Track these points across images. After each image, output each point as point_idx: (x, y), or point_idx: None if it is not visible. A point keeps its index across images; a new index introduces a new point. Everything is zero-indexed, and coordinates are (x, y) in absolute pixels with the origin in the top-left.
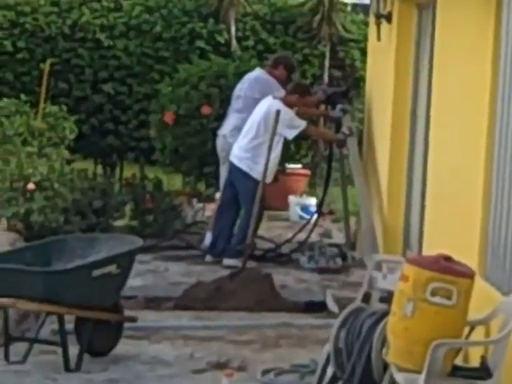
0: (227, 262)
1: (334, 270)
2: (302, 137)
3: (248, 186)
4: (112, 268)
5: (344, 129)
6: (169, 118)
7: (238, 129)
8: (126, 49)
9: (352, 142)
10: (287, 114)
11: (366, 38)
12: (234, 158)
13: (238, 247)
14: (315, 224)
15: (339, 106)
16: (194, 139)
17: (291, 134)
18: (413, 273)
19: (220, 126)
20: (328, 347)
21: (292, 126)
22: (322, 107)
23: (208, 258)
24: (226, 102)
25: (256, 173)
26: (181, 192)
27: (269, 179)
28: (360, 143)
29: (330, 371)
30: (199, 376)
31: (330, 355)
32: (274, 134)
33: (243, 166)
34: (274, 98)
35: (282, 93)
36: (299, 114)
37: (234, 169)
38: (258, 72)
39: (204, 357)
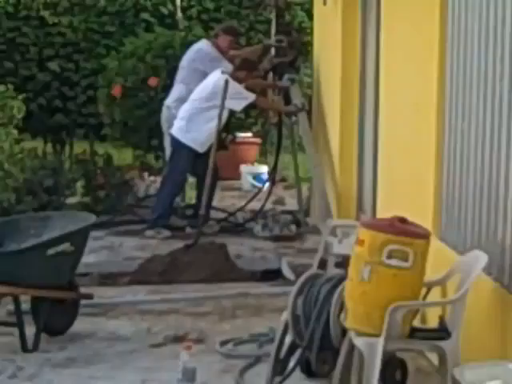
0: (147, 233)
1: (289, 237)
2: (251, 106)
3: (179, 154)
4: (66, 246)
5: (296, 101)
6: (116, 91)
7: (181, 99)
8: (70, 25)
9: (302, 116)
10: (234, 87)
11: (311, 1)
12: (172, 128)
13: (160, 221)
14: (269, 192)
15: (286, 76)
16: (142, 111)
17: (239, 106)
18: (368, 236)
19: (167, 96)
20: (285, 315)
21: (239, 98)
22: (270, 77)
23: (188, 229)
24: (173, 73)
25: (189, 140)
26: (132, 166)
27: (203, 148)
28: (310, 109)
29: (288, 339)
30: (158, 350)
31: (288, 323)
32: (223, 105)
33: (176, 133)
34: (222, 72)
35: (228, 67)
36: (248, 88)
37: (170, 138)
38: (201, 43)
39: (162, 331)
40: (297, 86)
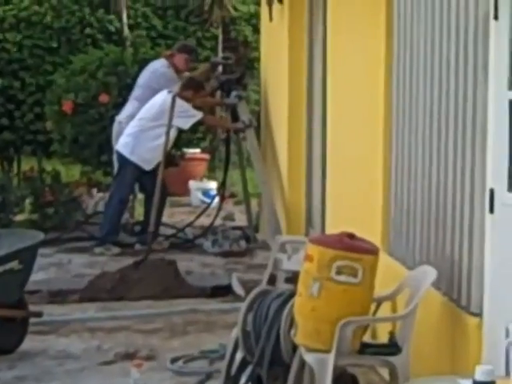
0: (96, 250)
1: (238, 252)
2: (198, 123)
3: (125, 171)
4: (14, 264)
5: (244, 118)
6: (67, 107)
7: (133, 116)
8: (16, 42)
9: (250, 132)
10: (181, 105)
11: (257, 16)
12: (117, 144)
13: (109, 237)
14: (219, 208)
15: (234, 93)
16: (92, 127)
17: (186, 125)
18: (317, 252)
19: (118, 113)
20: (236, 331)
21: (187, 116)
22: (218, 95)
23: (137, 246)
24: (124, 90)
25: (135, 157)
26: (80, 183)
27: (149, 166)
28: (258, 125)
29: (239, 355)
30: (108, 368)
31: (239, 339)
32: (170, 123)
33: (122, 149)
34: (169, 92)
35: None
36: (195, 106)
37: (116, 154)
38: (158, 63)
39: (112, 348)
40: (244, 103)
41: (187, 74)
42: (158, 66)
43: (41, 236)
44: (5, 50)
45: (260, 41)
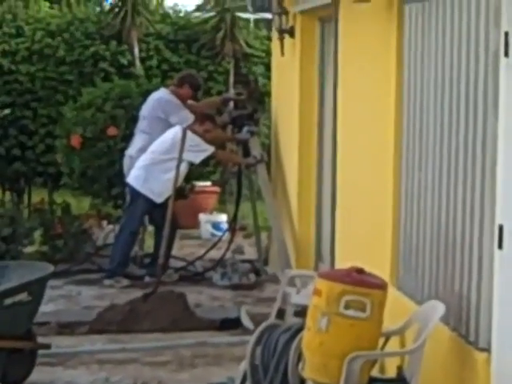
0: (106, 282)
1: (248, 286)
2: (209, 157)
3: (136, 203)
4: (23, 296)
5: (255, 153)
6: (75, 141)
7: (143, 149)
8: (29, 73)
9: (261, 167)
10: (192, 139)
11: (269, 53)
12: (128, 177)
13: (119, 269)
14: (230, 241)
15: (246, 128)
16: (101, 161)
17: (197, 159)
18: (325, 287)
19: (127, 146)
20: (244, 364)
21: (198, 150)
22: (229, 130)
23: (147, 278)
24: (131, 123)
25: (146, 190)
26: (90, 215)
27: (160, 199)
28: (268, 159)
29: None
30: None
31: (247, 372)
32: (180, 157)
33: (133, 182)
34: (182, 127)
35: (188, 118)
36: (207, 141)
37: (128, 187)
38: (161, 92)
39: (120, 380)
40: (256, 138)
41: (191, 102)
42: (161, 94)
43: (50, 268)
44: (17, 82)
45: (271, 76)
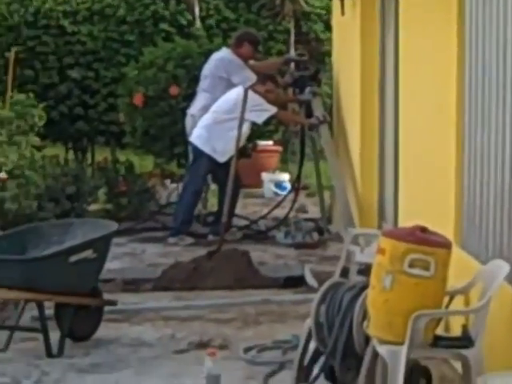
0: (170, 240)
1: (311, 244)
2: (271, 117)
3: (199, 162)
4: (88, 253)
5: (318, 114)
6: (138, 100)
7: (206, 108)
8: (90, 34)
9: (324, 128)
10: (254, 99)
11: (329, 11)
12: (191, 136)
13: (183, 228)
14: (294, 200)
15: (308, 89)
16: (163, 120)
17: (260, 119)
18: (389, 246)
19: (189, 105)
20: (309, 322)
21: (260, 110)
22: (290, 91)
23: (210, 236)
24: (193, 82)
25: (208, 149)
26: (153, 173)
27: (223, 158)
28: (331, 120)
29: (312, 346)
30: (182, 356)
31: (312, 330)
32: (242, 116)
33: (196, 141)
34: (244, 87)
35: (250, 79)
36: (269, 102)
37: (191, 146)
38: (223, 52)
39: (185, 337)
40: (318, 99)
41: (253, 62)
42: (224, 54)
43: (115, 226)
44: (79, 42)
45: (332, 35)
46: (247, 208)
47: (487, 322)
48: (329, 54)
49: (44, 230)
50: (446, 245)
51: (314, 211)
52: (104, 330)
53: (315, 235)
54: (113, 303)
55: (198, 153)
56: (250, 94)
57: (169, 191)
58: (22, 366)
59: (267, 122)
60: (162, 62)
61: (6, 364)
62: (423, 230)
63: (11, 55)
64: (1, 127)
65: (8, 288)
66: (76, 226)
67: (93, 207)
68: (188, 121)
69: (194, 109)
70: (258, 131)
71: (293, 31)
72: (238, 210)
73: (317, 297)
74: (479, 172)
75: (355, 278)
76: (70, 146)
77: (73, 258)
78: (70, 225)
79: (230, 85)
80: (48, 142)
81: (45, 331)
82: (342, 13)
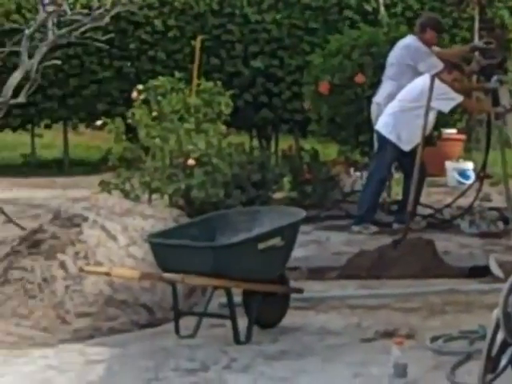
0: (354, 228)
1: (496, 234)
2: (456, 106)
3: (384, 150)
4: (276, 240)
5: (505, 102)
6: (324, 87)
7: (391, 96)
8: (275, 21)
9: (511, 116)
10: (441, 87)
11: None
12: (377, 124)
13: (367, 216)
14: (479, 189)
15: (495, 78)
16: (349, 108)
17: (447, 107)
18: None
19: (374, 93)
20: (497, 312)
21: (447, 98)
22: (474, 79)
23: (395, 225)
24: (379, 70)
25: (394, 137)
26: (338, 161)
27: (408, 147)
28: None
29: (499, 337)
30: (368, 345)
31: (500, 321)
32: (428, 104)
33: (381, 129)
34: (430, 75)
35: (437, 66)
36: (455, 90)
37: (376, 134)
38: (409, 39)
39: (372, 325)
40: (505, 88)
41: (436, 48)
42: (409, 41)
43: (302, 213)
44: (265, 31)
45: None
46: (431, 197)
47: None
48: None
49: (232, 217)
50: None
51: (498, 200)
52: (290, 318)
53: (500, 224)
54: (299, 291)
55: (384, 141)
56: (437, 82)
57: (353, 179)
58: (211, 352)
59: (452, 111)
60: (348, 49)
61: (194, 350)
62: None
63: (197, 43)
64: (189, 115)
65: (197, 274)
66: (263, 214)
67: (277, 195)
68: (373, 109)
69: (379, 97)
70: (443, 119)
71: (477, 18)
72: (422, 199)
73: (505, 287)
74: None
75: None
76: (254, 134)
77: (261, 246)
78: (256, 212)
79: (416, 73)
80: (232, 130)
81: (233, 318)
82: None
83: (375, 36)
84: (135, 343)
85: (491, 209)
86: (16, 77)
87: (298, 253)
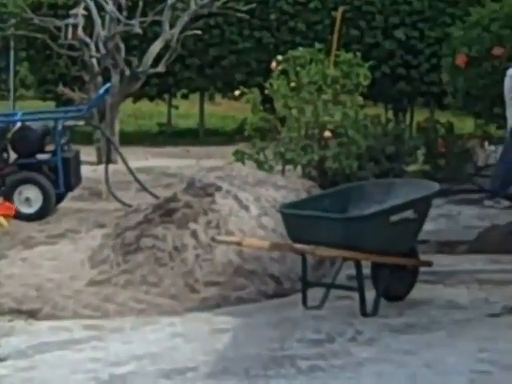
0: (486, 202)
1: None
2: None
3: None
4: (409, 213)
5: None
6: (461, 60)
7: None
8: None
9: None
10: None
11: None
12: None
13: (500, 191)
14: None
15: None
16: (485, 81)
17: None
18: None
19: (510, 66)
20: None
21: None
22: None
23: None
24: None
25: None
26: (472, 135)
27: None
28: None
29: None
30: (495, 320)
31: None
32: None
33: None
34: None
35: None
36: None
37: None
38: None
39: (499, 301)
40: None
41: None
42: None
43: (436, 187)
44: (406, 2)
45: None
46: None
47: None
48: None
49: (367, 188)
50: None
51: None
52: (418, 291)
53: None
54: (428, 264)
55: None
56: None
57: (487, 153)
58: (337, 324)
59: None
60: (487, 21)
61: (320, 321)
62: None
63: (338, 14)
64: (327, 86)
65: (328, 246)
66: (398, 186)
67: (411, 168)
68: (507, 81)
69: None
70: None
71: None
72: None
73: None
74: None
75: None
76: (389, 107)
77: (394, 218)
78: (391, 184)
79: None
80: (368, 103)
81: (361, 290)
82: None
83: None
84: (262, 313)
85: None
86: (156, 46)
87: (428, 226)
